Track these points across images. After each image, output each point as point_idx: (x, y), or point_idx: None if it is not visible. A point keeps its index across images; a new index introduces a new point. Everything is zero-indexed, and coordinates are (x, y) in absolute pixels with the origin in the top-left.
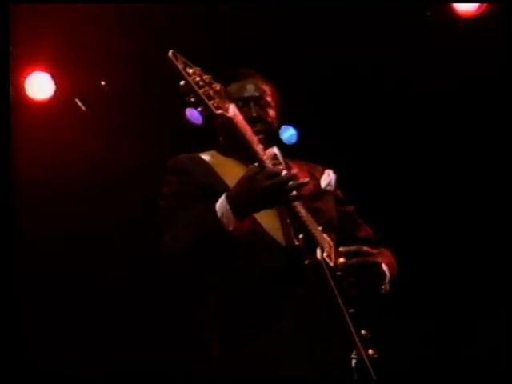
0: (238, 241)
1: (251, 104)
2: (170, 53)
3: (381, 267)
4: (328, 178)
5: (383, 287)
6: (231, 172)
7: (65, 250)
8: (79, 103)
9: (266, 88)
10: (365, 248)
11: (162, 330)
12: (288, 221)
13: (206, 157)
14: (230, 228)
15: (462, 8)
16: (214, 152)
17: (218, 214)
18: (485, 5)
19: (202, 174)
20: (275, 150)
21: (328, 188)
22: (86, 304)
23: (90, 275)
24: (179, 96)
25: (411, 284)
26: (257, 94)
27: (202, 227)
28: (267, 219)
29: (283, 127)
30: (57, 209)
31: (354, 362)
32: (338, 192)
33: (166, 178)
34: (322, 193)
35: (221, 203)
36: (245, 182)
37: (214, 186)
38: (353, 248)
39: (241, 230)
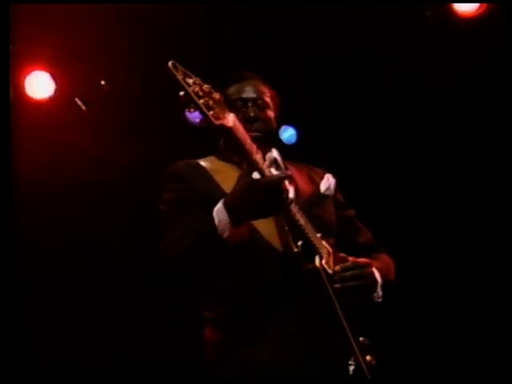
0: (233, 247)
1: (249, 104)
2: (170, 63)
3: (372, 277)
4: (327, 182)
5: (375, 294)
6: (231, 180)
7: (65, 249)
8: (79, 103)
9: (265, 89)
10: (359, 260)
11: (162, 330)
12: (286, 227)
13: (205, 164)
14: (226, 235)
15: (461, 8)
16: (213, 158)
17: (215, 221)
18: (484, 5)
19: (202, 183)
20: (275, 153)
21: (327, 193)
22: (86, 304)
23: (90, 275)
24: (179, 106)
25: (411, 285)
26: (255, 95)
27: (198, 233)
28: (264, 225)
29: (283, 127)
30: (57, 208)
31: (351, 368)
32: (339, 196)
33: (165, 184)
34: (321, 197)
35: (218, 209)
36: (243, 190)
37: (213, 194)
38: (348, 263)
39: (236, 236)
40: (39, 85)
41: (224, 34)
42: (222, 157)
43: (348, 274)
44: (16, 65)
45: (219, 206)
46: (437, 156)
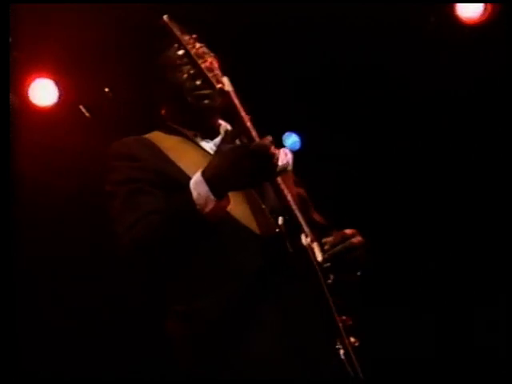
0: (213, 226)
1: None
2: (166, 17)
3: (365, 246)
4: (285, 158)
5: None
6: (187, 157)
7: (65, 255)
8: (83, 110)
9: None
10: (347, 231)
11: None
12: (263, 206)
13: (154, 140)
14: (208, 209)
15: (465, 14)
16: (158, 133)
17: (194, 195)
18: (488, 11)
19: (155, 160)
20: (229, 126)
21: (287, 168)
22: (87, 307)
23: (91, 280)
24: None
25: (410, 272)
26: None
27: (171, 211)
28: (237, 206)
29: (286, 134)
30: (60, 215)
31: (342, 352)
32: (293, 172)
33: (111, 163)
34: (280, 172)
35: (196, 181)
36: (229, 157)
37: (170, 173)
38: (337, 237)
39: (219, 211)
40: (43, 92)
41: (226, 38)
42: (169, 130)
43: (338, 248)
44: (20, 72)
45: (197, 177)
46: (438, 160)
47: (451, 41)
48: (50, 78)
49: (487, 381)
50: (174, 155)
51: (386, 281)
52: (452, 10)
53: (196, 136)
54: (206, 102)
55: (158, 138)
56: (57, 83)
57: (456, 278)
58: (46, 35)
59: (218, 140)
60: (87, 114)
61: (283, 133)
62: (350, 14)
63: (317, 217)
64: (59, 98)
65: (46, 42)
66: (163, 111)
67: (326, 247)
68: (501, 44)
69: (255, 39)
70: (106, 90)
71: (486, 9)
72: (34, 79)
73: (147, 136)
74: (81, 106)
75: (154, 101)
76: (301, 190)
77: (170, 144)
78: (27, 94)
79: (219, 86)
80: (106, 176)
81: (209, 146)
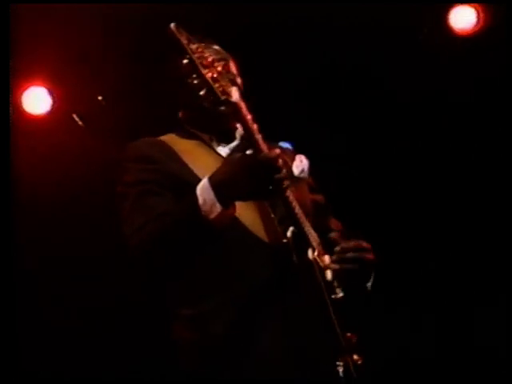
0: (218, 233)
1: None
2: (173, 25)
3: (373, 264)
4: (301, 164)
5: (369, 284)
6: (201, 161)
7: (67, 255)
8: (76, 118)
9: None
10: (364, 244)
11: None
12: (272, 215)
13: (169, 142)
14: (212, 216)
15: (458, 26)
16: (173, 136)
17: (199, 201)
18: (481, 23)
19: (170, 162)
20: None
21: (302, 175)
22: (87, 307)
23: (91, 280)
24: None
25: (410, 272)
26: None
27: (178, 214)
28: (246, 213)
29: (280, 144)
30: (56, 225)
31: (341, 370)
32: (310, 179)
33: (125, 165)
34: (295, 180)
35: (202, 187)
36: (237, 165)
37: (182, 175)
38: (352, 243)
39: (224, 218)
40: (36, 100)
41: (226, 38)
42: (185, 133)
43: (349, 255)
44: (13, 80)
45: (204, 183)
46: (440, 161)
47: (445, 49)
48: (44, 86)
49: (487, 381)
50: (188, 158)
51: (385, 281)
52: (445, 21)
53: (212, 140)
54: (222, 108)
55: (173, 140)
56: (50, 91)
57: (456, 278)
58: (39, 43)
59: (233, 145)
60: (80, 123)
61: (283, 132)
62: (350, 15)
63: (334, 225)
64: (52, 106)
65: (39, 50)
66: (180, 114)
67: (337, 249)
68: (495, 52)
69: (255, 39)
70: (100, 98)
71: (478, 20)
72: (27, 87)
73: (162, 138)
74: (74, 115)
75: (170, 103)
76: (318, 197)
77: (184, 147)
78: (20, 102)
79: (224, 97)
80: (119, 177)
81: (224, 150)
